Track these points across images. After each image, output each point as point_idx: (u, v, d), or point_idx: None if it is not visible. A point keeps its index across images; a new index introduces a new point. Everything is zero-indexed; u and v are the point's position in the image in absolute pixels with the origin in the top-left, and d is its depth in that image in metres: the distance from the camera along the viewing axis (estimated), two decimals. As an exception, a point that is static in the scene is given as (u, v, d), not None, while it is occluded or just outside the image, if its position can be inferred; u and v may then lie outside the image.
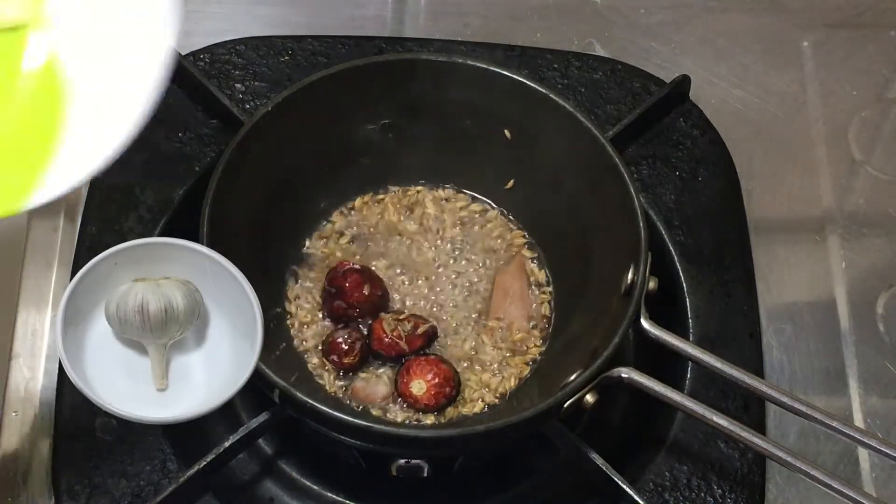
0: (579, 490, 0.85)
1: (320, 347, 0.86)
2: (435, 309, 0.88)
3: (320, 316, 0.87)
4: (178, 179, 0.91)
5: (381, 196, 0.93)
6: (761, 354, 0.89)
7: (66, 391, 0.83)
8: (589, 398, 0.75)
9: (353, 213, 0.92)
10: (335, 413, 0.73)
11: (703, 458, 0.84)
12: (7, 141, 0.64)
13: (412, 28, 1.06)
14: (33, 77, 0.66)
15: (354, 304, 0.86)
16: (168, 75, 0.63)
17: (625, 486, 0.79)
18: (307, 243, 0.90)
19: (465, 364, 0.86)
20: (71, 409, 0.83)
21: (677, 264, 0.91)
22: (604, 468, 0.80)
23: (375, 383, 0.85)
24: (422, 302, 0.88)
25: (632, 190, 0.80)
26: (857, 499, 0.70)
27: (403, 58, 0.89)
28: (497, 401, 0.85)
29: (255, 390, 0.75)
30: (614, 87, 0.99)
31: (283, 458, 0.87)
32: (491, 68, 0.85)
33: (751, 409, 0.85)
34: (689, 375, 0.86)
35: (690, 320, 0.89)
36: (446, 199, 0.93)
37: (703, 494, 0.82)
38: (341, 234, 0.91)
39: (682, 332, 0.87)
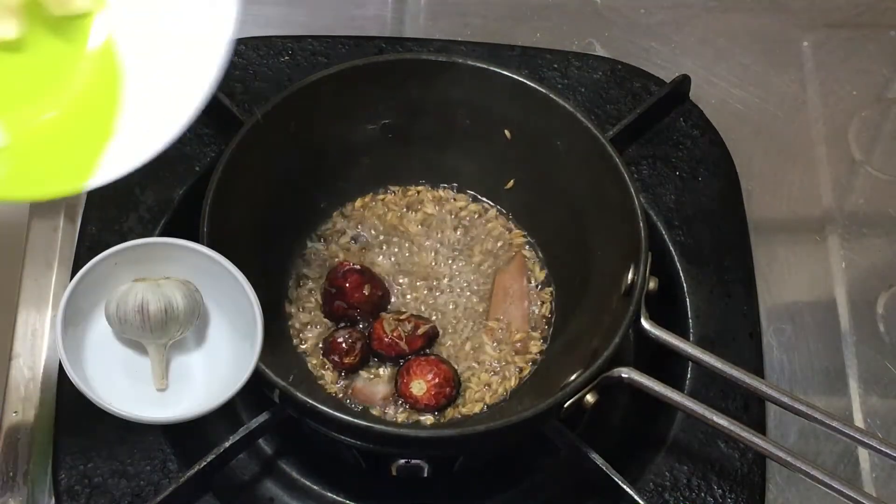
0: (579, 490, 0.85)
1: (320, 347, 0.86)
2: (435, 309, 0.88)
3: (320, 316, 0.87)
4: (178, 179, 0.91)
5: (381, 196, 0.93)
6: (761, 354, 0.89)
7: (66, 391, 0.83)
8: (589, 398, 0.75)
9: (353, 213, 0.92)
10: (335, 413, 0.73)
11: (703, 458, 0.84)
12: (70, 121, 0.66)
13: (412, 28, 1.06)
14: (95, 61, 0.67)
15: (355, 305, 0.86)
16: (226, 63, 0.64)
17: (625, 486, 0.79)
18: (307, 243, 0.90)
19: (465, 364, 0.86)
20: (71, 409, 0.82)
21: (677, 264, 0.91)
22: (604, 468, 0.80)
23: (375, 383, 0.85)
24: (422, 302, 0.88)
25: (632, 190, 0.80)
26: (857, 499, 0.70)
27: (403, 58, 0.89)
28: (497, 401, 0.85)
29: (255, 390, 0.75)
30: (614, 87, 0.99)
31: (283, 458, 0.87)
32: (491, 68, 0.85)
33: (751, 409, 0.85)
34: (689, 375, 0.86)
35: (690, 320, 0.89)
36: (446, 199, 0.93)
37: (703, 494, 0.82)
38: (341, 234, 0.91)
39: (682, 332, 0.87)
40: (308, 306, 0.88)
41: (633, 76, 0.99)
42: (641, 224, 0.79)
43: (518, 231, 0.92)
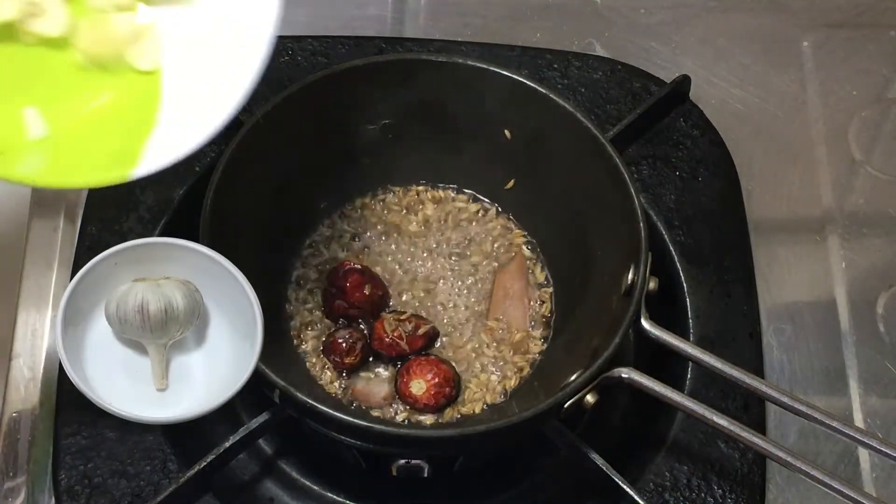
0: (579, 490, 0.85)
1: (321, 347, 0.86)
2: (435, 309, 0.88)
3: (321, 316, 0.87)
4: (178, 179, 0.91)
5: (381, 196, 0.93)
6: (761, 354, 0.89)
7: (66, 391, 0.83)
8: (589, 398, 0.75)
9: (353, 213, 0.92)
10: (335, 413, 0.73)
11: (703, 458, 0.84)
12: (111, 113, 0.67)
13: (412, 28, 1.06)
14: (138, 51, 0.69)
15: (355, 304, 0.86)
16: (268, 58, 0.65)
17: (625, 486, 0.79)
18: (307, 243, 0.90)
19: (465, 364, 0.86)
20: (71, 409, 0.83)
21: (677, 264, 0.91)
22: (604, 468, 0.80)
23: (375, 383, 0.85)
24: (422, 302, 0.88)
25: (632, 190, 0.80)
26: (857, 499, 0.70)
27: (403, 58, 0.89)
28: (497, 401, 0.85)
29: (255, 390, 0.75)
30: (614, 87, 0.99)
31: (283, 458, 0.87)
32: (491, 68, 0.85)
33: (751, 409, 0.85)
34: (689, 375, 0.86)
35: (690, 320, 0.89)
36: (446, 199, 0.93)
37: (703, 494, 0.82)
38: (341, 234, 0.91)
39: (682, 332, 0.87)
40: (308, 306, 0.88)
41: (633, 76, 0.99)
42: (641, 224, 0.79)
43: (518, 231, 0.92)
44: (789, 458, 0.71)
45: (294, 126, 0.84)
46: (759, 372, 0.87)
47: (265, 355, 0.73)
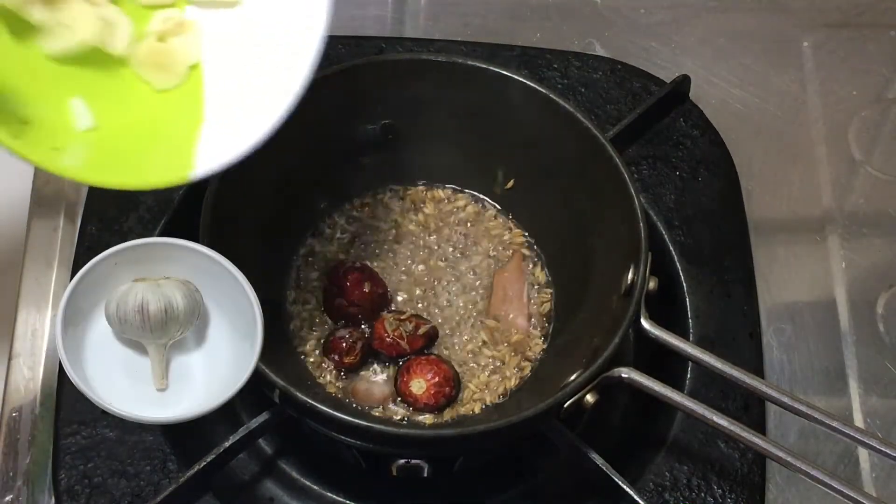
0: (579, 490, 0.85)
1: (321, 347, 0.86)
2: (435, 309, 0.88)
3: (321, 316, 0.87)
4: (178, 179, 0.91)
5: (381, 196, 0.93)
6: (761, 354, 0.89)
7: (66, 391, 0.83)
8: (589, 398, 0.75)
9: (353, 213, 0.92)
10: (335, 413, 0.73)
11: (703, 458, 0.84)
12: (162, 111, 0.69)
13: (412, 28, 1.06)
14: (181, 46, 0.70)
15: (355, 303, 0.86)
16: (318, 60, 0.66)
17: (625, 486, 0.79)
18: (307, 243, 0.90)
19: (465, 364, 0.86)
20: (71, 409, 0.83)
21: (677, 264, 0.91)
22: (604, 468, 0.80)
23: (375, 383, 0.85)
24: (422, 302, 0.88)
25: (632, 190, 0.80)
26: (857, 499, 0.70)
27: (403, 58, 0.89)
28: (497, 401, 0.85)
29: (255, 390, 0.75)
30: (614, 87, 0.99)
31: (283, 458, 0.87)
32: (491, 68, 0.85)
33: (751, 409, 0.85)
34: (689, 375, 0.86)
35: (690, 320, 0.89)
36: (446, 199, 0.93)
37: (703, 494, 0.82)
38: (341, 234, 0.91)
39: (682, 332, 0.87)
40: (308, 306, 0.88)
41: (633, 76, 0.99)
42: (641, 224, 0.79)
43: (518, 231, 0.92)
44: (789, 458, 0.71)
45: (294, 126, 0.84)
46: (759, 372, 0.87)
47: (265, 355, 0.73)
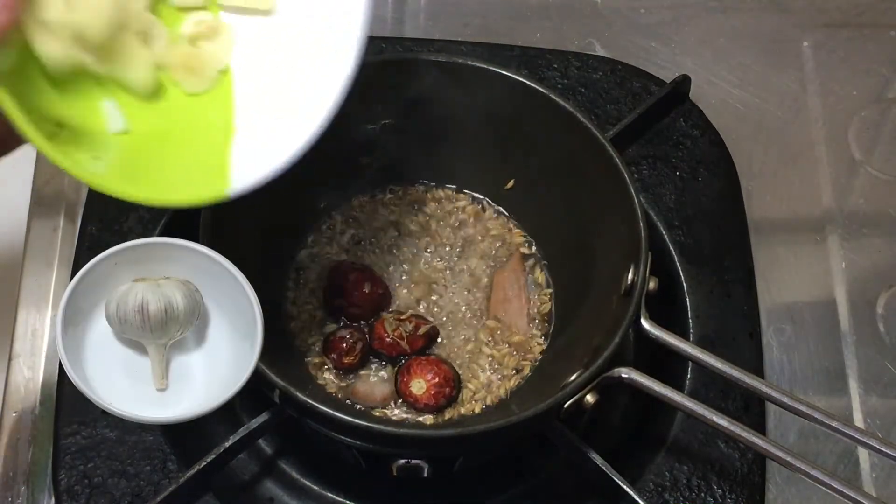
0: (579, 490, 0.85)
1: (321, 347, 0.86)
2: (435, 309, 0.88)
3: (321, 315, 0.87)
4: (178, 179, 0.91)
5: (381, 196, 0.93)
6: (761, 354, 0.89)
7: (66, 391, 0.83)
8: (589, 398, 0.75)
9: (353, 213, 0.92)
10: (335, 413, 0.73)
11: (703, 458, 0.84)
12: (190, 112, 0.67)
13: (412, 28, 1.06)
14: (211, 50, 0.69)
15: (356, 303, 0.86)
16: (355, 72, 0.64)
17: (625, 486, 0.79)
18: (307, 243, 0.90)
19: (465, 364, 0.86)
20: (71, 409, 0.83)
21: (677, 264, 0.91)
22: (604, 468, 0.80)
23: (375, 383, 0.85)
24: (422, 302, 0.88)
25: (632, 190, 0.80)
26: (857, 499, 0.70)
27: (403, 58, 0.89)
28: (497, 401, 0.85)
29: (255, 390, 0.75)
30: (614, 87, 0.99)
31: (283, 458, 0.87)
32: (491, 68, 0.85)
33: (751, 409, 0.85)
34: (689, 375, 0.86)
35: (690, 320, 0.89)
36: (446, 199, 0.93)
37: (703, 494, 0.82)
38: (341, 234, 0.91)
39: (682, 332, 0.87)
40: (308, 306, 0.88)
41: (633, 76, 0.99)
42: (641, 224, 0.79)
43: (518, 231, 0.92)
44: (789, 458, 0.71)
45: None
46: (759, 372, 0.87)
47: (265, 355, 0.73)
